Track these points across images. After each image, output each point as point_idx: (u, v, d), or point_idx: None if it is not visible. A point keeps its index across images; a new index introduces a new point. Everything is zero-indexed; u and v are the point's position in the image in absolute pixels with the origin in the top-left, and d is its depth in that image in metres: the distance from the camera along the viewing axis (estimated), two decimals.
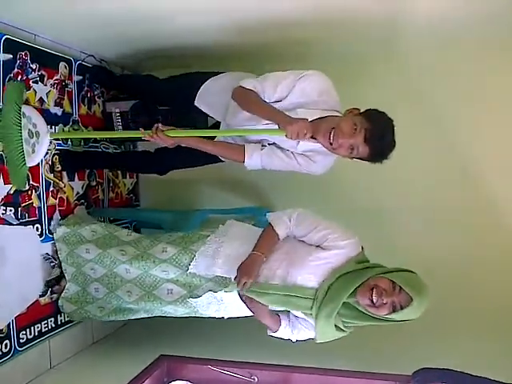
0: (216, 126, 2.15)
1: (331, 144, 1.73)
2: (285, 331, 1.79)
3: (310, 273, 1.67)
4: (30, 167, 1.99)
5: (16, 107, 1.90)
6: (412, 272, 1.64)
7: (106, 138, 2.61)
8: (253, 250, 1.72)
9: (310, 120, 1.75)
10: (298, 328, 1.79)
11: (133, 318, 2.07)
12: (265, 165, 1.96)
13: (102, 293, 2.04)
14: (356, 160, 1.80)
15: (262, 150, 1.94)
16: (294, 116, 1.77)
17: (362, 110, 1.78)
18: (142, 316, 2.05)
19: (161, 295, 1.91)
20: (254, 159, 1.94)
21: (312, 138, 1.76)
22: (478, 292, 2.44)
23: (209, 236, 1.90)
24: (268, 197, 2.73)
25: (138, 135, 1.91)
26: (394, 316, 1.56)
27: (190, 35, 2.27)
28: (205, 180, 2.81)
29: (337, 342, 1.75)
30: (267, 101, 1.84)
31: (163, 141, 1.85)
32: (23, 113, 1.92)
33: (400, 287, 1.54)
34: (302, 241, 1.78)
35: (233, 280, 1.72)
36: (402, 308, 1.54)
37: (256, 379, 2.07)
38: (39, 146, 1.98)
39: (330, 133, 1.72)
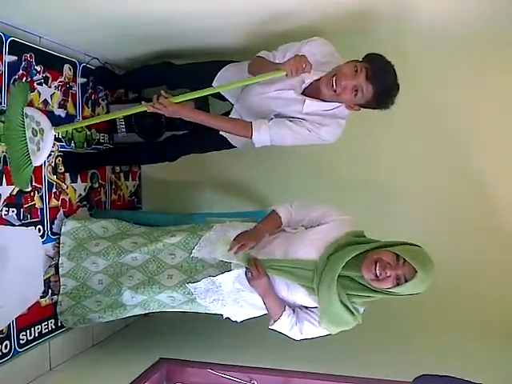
0: (227, 113, 2.15)
1: (335, 91, 1.77)
2: (287, 321, 1.73)
3: (310, 246, 1.68)
4: (35, 167, 1.99)
5: (21, 108, 1.91)
6: (416, 245, 1.62)
7: (109, 141, 2.62)
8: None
9: (311, 81, 1.84)
10: (303, 320, 1.73)
11: (129, 315, 2.05)
12: (274, 138, 1.93)
13: (105, 283, 2.04)
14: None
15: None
16: (298, 80, 1.85)
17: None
18: (137, 313, 2.03)
19: (161, 280, 1.91)
20: (262, 133, 1.92)
21: (318, 98, 1.85)
22: (481, 296, 2.41)
23: (214, 225, 1.94)
24: (269, 201, 2.73)
25: (141, 109, 1.89)
26: (397, 289, 1.54)
27: (195, 38, 2.29)
28: (207, 183, 2.82)
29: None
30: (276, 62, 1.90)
31: (167, 110, 1.84)
32: (25, 113, 1.92)
33: (404, 260, 1.52)
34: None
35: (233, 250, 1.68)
36: (406, 281, 1.52)
37: (255, 383, 2.07)
38: (44, 144, 1.97)
39: (332, 79, 1.76)
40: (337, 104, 1.88)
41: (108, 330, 2.52)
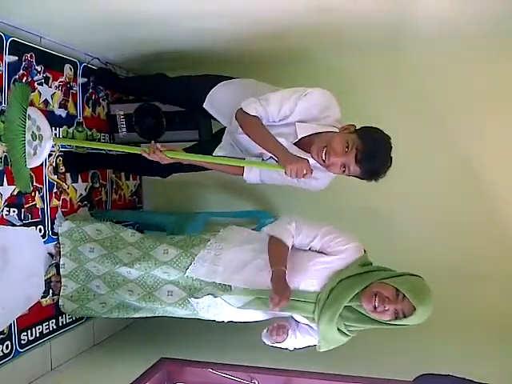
0: (221, 131, 2.14)
1: (324, 161, 1.73)
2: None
3: (312, 278, 1.67)
4: (31, 168, 1.99)
5: (22, 109, 1.91)
6: (418, 276, 1.63)
7: (110, 140, 2.62)
8: (271, 267, 1.66)
9: (305, 135, 1.77)
10: (300, 333, 1.77)
11: (136, 316, 2.06)
12: (264, 179, 1.96)
13: (103, 290, 2.05)
14: (352, 178, 1.78)
15: None
16: (291, 131, 1.79)
17: (357, 127, 1.76)
18: (145, 315, 2.04)
19: (161, 296, 1.91)
20: (252, 173, 1.94)
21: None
22: (480, 297, 2.42)
23: (209, 240, 1.90)
24: (271, 200, 2.73)
25: (136, 151, 1.91)
26: (396, 322, 1.56)
27: (196, 39, 2.28)
28: (208, 183, 2.82)
29: (339, 347, 1.74)
30: (271, 120, 1.83)
31: (161, 160, 1.85)
32: (28, 115, 1.93)
33: (404, 295, 1.53)
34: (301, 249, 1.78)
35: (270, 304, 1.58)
36: (405, 316, 1.53)
37: (256, 383, 2.07)
38: (41, 150, 1.98)
39: (323, 150, 1.72)
40: None
41: (109, 329, 2.52)
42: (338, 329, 1.66)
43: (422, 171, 2.51)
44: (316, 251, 1.75)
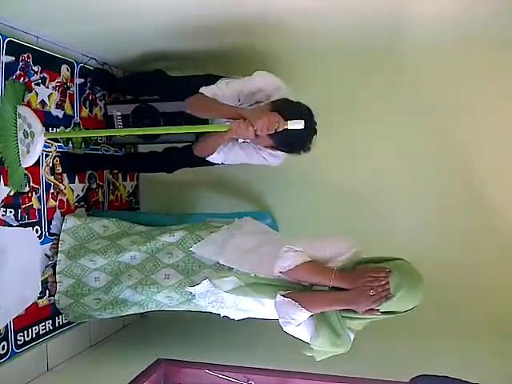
0: None
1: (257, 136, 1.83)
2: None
3: None
4: (26, 168, 1.99)
5: (13, 108, 1.90)
6: (404, 261, 1.60)
7: (107, 140, 2.61)
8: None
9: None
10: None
11: (129, 313, 2.06)
12: (227, 159, 2.10)
13: (103, 281, 2.05)
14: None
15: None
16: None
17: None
18: (136, 311, 2.05)
19: (158, 279, 1.93)
20: (217, 155, 2.08)
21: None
22: (477, 297, 2.43)
23: (221, 226, 1.95)
24: (267, 201, 2.74)
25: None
26: (383, 307, 1.51)
27: (193, 40, 2.29)
28: (204, 184, 2.82)
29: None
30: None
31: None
32: (19, 113, 1.92)
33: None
34: None
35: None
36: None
37: None
38: (34, 146, 1.98)
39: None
40: None
41: (106, 330, 2.52)
42: (332, 324, 1.61)
43: (422, 171, 2.52)
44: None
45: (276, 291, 1.67)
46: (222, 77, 2.15)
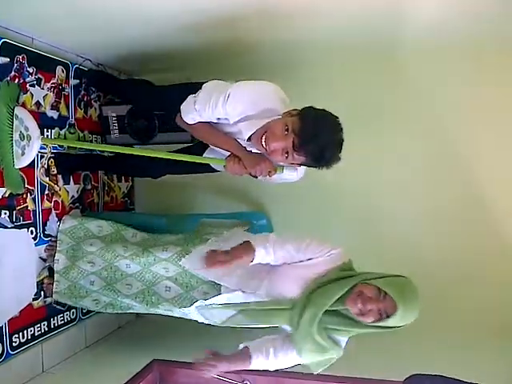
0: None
1: (266, 150, 1.63)
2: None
3: (293, 282, 1.64)
4: (19, 169, 1.98)
5: (8, 109, 1.90)
6: (403, 277, 1.59)
7: (102, 142, 2.61)
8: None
9: (250, 134, 1.70)
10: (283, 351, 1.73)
11: (129, 311, 2.07)
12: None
13: (97, 285, 2.03)
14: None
15: None
16: (237, 133, 1.76)
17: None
18: (139, 311, 2.05)
19: (160, 291, 1.91)
20: None
21: None
22: (472, 297, 2.44)
23: (211, 239, 1.92)
24: (263, 201, 2.74)
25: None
26: (381, 324, 1.53)
27: (190, 40, 2.29)
28: (200, 184, 2.82)
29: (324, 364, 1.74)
30: (211, 122, 1.83)
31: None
32: (16, 114, 1.91)
33: (385, 293, 1.50)
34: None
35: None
36: (388, 316, 1.50)
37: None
38: (29, 150, 1.97)
39: (263, 137, 1.61)
40: None
41: (101, 331, 2.52)
42: (316, 339, 1.61)
43: (422, 171, 2.53)
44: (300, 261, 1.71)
45: (272, 316, 1.65)
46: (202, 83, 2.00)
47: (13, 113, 1.91)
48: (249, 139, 1.74)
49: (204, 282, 1.84)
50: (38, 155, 2.11)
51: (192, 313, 1.86)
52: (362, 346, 2.13)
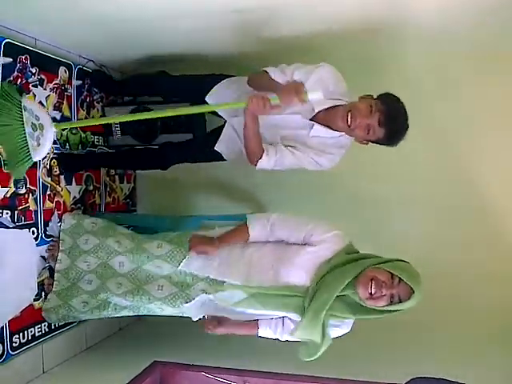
0: (219, 128, 2.16)
1: (349, 126, 1.83)
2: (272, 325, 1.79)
3: (300, 269, 1.67)
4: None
5: (16, 102, 1.85)
6: (404, 261, 1.63)
7: (104, 143, 2.61)
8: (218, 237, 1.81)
9: (321, 109, 1.88)
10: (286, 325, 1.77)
11: (117, 315, 2.04)
12: (277, 165, 1.96)
13: (94, 284, 2.02)
14: (372, 145, 1.90)
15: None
16: (307, 107, 1.87)
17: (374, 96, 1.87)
18: (127, 314, 2.03)
19: (151, 290, 1.90)
20: (269, 161, 1.95)
21: (326, 126, 1.91)
22: (474, 298, 2.44)
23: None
24: (264, 204, 2.74)
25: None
26: (391, 307, 1.55)
27: (191, 42, 2.29)
28: (201, 186, 2.82)
29: (329, 349, 1.74)
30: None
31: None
32: (24, 106, 1.86)
33: (399, 279, 1.53)
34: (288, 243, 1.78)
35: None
36: (400, 300, 1.53)
37: None
38: (44, 140, 1.92)
39: (348, 115, 1.83)
40: (342, 132, 1.93)
41: (101, 333, 2.51)
42: (323, 324, 1.63)
43: (422, 171, 2.53)
44: (300, 244, 1.74)
45: (281, 303, 1.66)
46: (226, 76, 2.14)
47: (21, 105, 1.85)
48: (312, 118, 1.93)
49: (200, 280, 1.82)
50: None
51: (187, 310, 1.85)
52: (362, 348, 2.13)
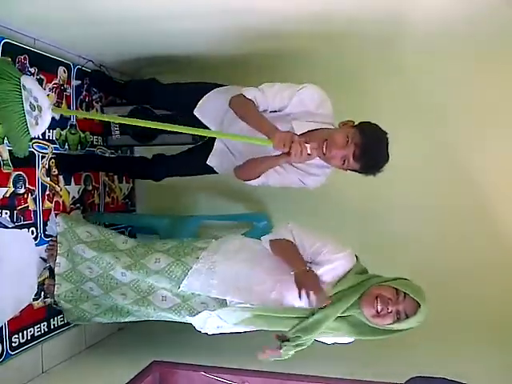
0: (209, 140, 2.14)
1: (324, 154, 1.76)
2: None
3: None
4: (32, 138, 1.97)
5: (15, 79, 1.82)
6: (405, 279, 1.62)
7: (103, 143, 2.61)
8: (293, 269, 1.63)
9: (300, 133, 1.77)
10: None
11: (130, 320, 2.05)
12: (259, 182, 1.94)
13: (96, 292, 2.03)
14: (351, 172, 1.82)
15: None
16: (288, 128, 1.79)
17: (355, 123, 1.79)
18: (139, 319, 2.03)
19: (155, 301, 1.90)
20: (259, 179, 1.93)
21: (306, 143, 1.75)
22: (474, 299, 2.43)
23: (202, 250, 1.86)
24: (264, 203, 2.74)
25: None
26: (397, 326, 1.54)
27: (192, 42, 2.29)
28: (201, 186, 2.82)
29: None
30: (267, 109, 1.85)
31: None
32: (23, 85, 1.84)
33: (404, 294, 1.52)
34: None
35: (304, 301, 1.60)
36: (407, 316, 1.52)
37: None
38: (42, 120, 1.91)
39: (324, 144, 1.75)
40: None
41: (101, 332, 2.51)
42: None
43: (421, 171, 2.52)
44: (308, 261, 1.70)
45: (286, 323, 1.64)
46: (218, 85, 2.10)
47: (19, 83, 1.83)
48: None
49: (198, 294, 1.81)
50: (39, 156, 2.11)
51: (193, 321, 1.83)
52: (363, 348, 2.13)
